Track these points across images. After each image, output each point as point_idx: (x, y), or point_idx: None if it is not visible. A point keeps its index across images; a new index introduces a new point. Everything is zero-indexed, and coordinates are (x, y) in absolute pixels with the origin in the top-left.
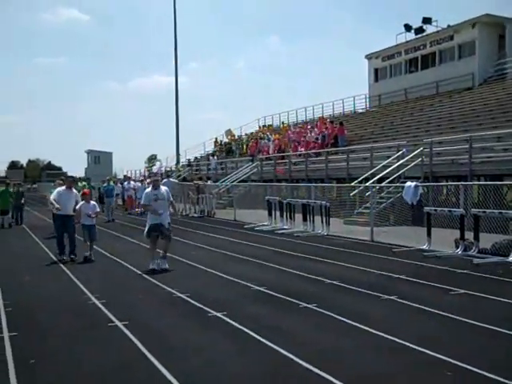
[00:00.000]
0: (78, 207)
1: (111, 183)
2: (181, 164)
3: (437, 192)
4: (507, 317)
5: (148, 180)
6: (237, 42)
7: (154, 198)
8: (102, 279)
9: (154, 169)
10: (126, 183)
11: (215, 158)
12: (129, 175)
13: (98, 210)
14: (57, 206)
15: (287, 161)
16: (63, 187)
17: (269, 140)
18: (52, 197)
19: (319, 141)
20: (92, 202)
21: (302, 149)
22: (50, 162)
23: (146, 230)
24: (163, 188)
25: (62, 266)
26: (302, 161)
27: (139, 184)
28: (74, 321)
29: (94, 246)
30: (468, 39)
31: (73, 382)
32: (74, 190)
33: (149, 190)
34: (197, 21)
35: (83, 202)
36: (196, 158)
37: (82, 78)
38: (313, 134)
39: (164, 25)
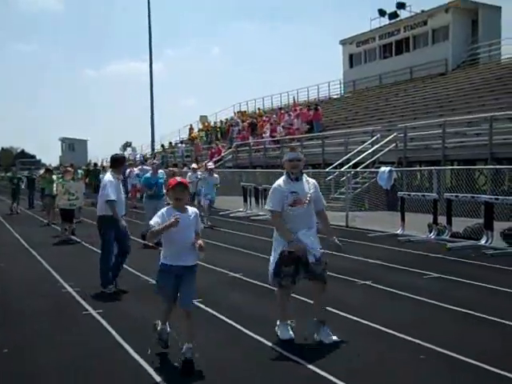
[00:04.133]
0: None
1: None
2: (155, 151)
3: (411, 177)
4: (480, 300)
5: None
6: (212, 28)
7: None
8: (76, 267)
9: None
10: (128, 170)
11: (183, 145)
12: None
13: None
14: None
15: (262, 147)
16: (110, 175)
17: (237, 125)
18: (111, 196)
19: (295, 126)
20: None
21: (276, 134)
22: (23, 151)
23: (274, 263)
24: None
25: (34, 253)
26: (278, 147)
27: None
28: (49, 309)
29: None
30: (441, 24)
31: (47, 371)
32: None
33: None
34: (172, 6)
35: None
36: (170, 144)
37: (56, 65)
38: (290, 118)
39: (140, 11)
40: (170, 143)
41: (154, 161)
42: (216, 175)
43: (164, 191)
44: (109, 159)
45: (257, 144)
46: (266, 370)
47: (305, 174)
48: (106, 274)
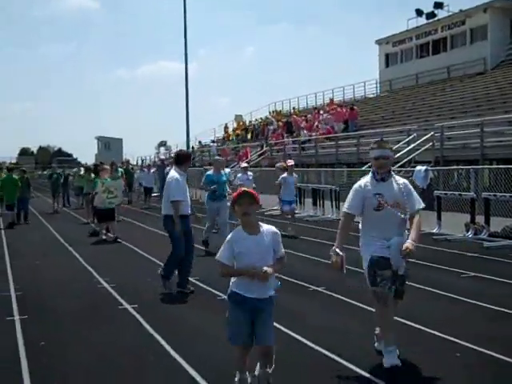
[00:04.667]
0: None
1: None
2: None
3: (447, 176)
4: None
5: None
6: (246, 29)
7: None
8: (112, 263)
9: (161, 155)
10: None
11: (215, 144)
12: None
13: None
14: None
15: (297, 146)
16: (176, 172)
17: (271, 124)
18: (175, 196)
19: (329, 126)
20: None
21: (313, 133)
22: (60, 149)
23: (367, 272)
24: None
25: (71, 249)
26: (313, 146)
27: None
28: (84, 304)
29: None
30: (480, 24)
31: (83, 365)
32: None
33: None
34: (206, 7)
35: None
36: (200, 143)
37: (91, 65)
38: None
39: (173, 11)
40: (200, 142)
41: (161, 157)
42: (295, 174)
43: (228, 190)
44: (142, 158)
45: (292, 143)
46: None
47: (394, 174)
48: (172, 266)
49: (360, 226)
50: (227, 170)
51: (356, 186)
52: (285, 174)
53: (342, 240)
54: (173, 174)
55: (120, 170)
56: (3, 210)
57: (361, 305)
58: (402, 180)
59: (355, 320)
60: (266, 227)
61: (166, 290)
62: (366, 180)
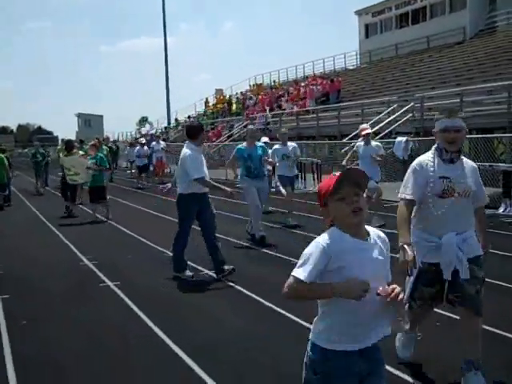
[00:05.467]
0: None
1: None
2: (171, 125)
3: (428, 146)
4: None
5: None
6: (226, 2)
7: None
8: (93, 240)
9: (143, 131)
10: (154, 143)
11: (190, 119)
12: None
13: None
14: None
15: (278, 119)
16: (188, 148)
17: (250, 99)
18: (194, 174)
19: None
20: None
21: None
22: (40, 127)
23: (412, 282)
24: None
25: (52, 227)
26: (293, 119)
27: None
28: (66, 282)
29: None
30: None
31: (65, 342)
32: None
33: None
34: None
35: None
36: (188, 117)
37: (71, 41)
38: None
39: None
40: (189, 116)
41: (151, 132)
42: (375, 143)
43: (267, 168)
44: (124, 134)
45: (272, 116)
46: None
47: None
48: (180, 257)
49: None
50: (264, 139)
51: (415, 164)
52: (361, 142)
53: (408, 233)
54: (186, 149)
55: (105, 147)
56: None
57: None
58: (471, 163)
59: None
60: (372, 231)
61: (182, 277)
62: (427, 158)
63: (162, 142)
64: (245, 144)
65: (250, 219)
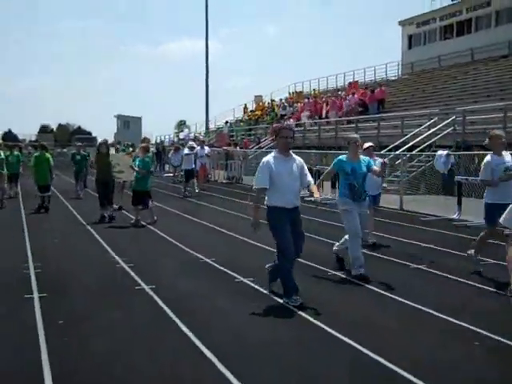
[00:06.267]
0: None
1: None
2: (210, 130)
3: (469, 161)
4: None
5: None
6: (268, 7)
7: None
8: (130, 243)
9: (181, 135)
10: (198, 148)
11: (228, 124)
12: (202, 137)
13: None
14: None
15: (317, 128)
16: (271, 155)
17: (285, 108)
18: (257, 182)
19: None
20: None
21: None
22: (79, 127)
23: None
24: None
25: (90, 229)
26: (333, 128)
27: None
28: (102, 283)
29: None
30: (505, 5)
31: (100, 344)
32: None
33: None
34: None
35: None
36: (225, 123)
37: (113, 42)
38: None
39: None
40: (226, 122)
41: (201, 137)
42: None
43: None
44: (162, 137)
45: (311, 125)
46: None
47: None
48: (288, 277)
49: None
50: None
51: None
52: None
53: None
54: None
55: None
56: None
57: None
58: None
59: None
60: None
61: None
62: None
63: (206, 148)
64: (345, 156)
65: (342, 241)
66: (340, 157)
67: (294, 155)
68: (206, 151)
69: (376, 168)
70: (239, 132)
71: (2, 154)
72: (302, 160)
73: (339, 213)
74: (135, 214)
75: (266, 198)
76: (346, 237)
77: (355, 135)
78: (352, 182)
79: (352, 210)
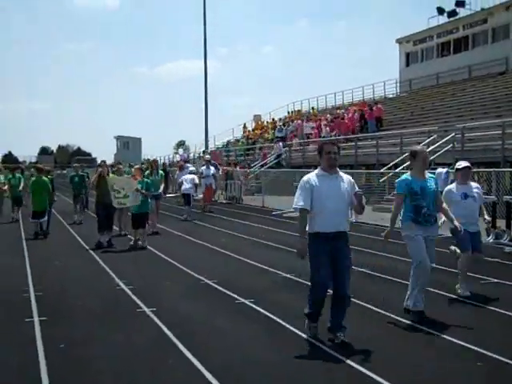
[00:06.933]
0: None
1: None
2: (209, 150)
3: None
4: None
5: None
6: (266, 27)
7: None
8: (130, 266)
9: (178, 156)
10: (204, 168)
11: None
12: (208, 157)
13: None
14: None
15: (316, 147)
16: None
17: (281, 131)
18: (297, 201)
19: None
20: None
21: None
22: (79, 148)
23: None
24: None
25: (90, 251)
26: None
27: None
28: (103, 306)
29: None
30: (502, 23)
31: (102, 366)
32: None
33: None
34: (226, 6)
35: None
36: (225, 143)
37: (110, 64)
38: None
39: (193, 10)
40: (228, 142)
41: (207, 156)
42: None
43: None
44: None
45: (307, 144)
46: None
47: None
48: (311, 306)
49: None
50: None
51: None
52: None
53: None
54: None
55: (160, 172)
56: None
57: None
58: None
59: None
60: None
61: (310, 334)
62: None
63: (212, 168)
64: (409, 173)
65: (409, 285)
66: (402, 177)
67: (341, 173)
68: (212, 171)
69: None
70: (239, 151)
71: (2, 177)
72: (351, 178)
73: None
74: (134, 236)
75: (308, 223)
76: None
77: (421, 146)
78: (421, 203)
79: (417, 235)
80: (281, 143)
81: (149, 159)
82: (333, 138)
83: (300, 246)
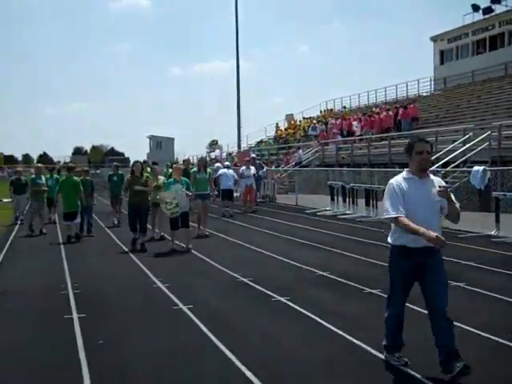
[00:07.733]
0: None
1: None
2: (242, 149)
3: (506, 177)
4: None
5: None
6: (300, 27)
7: None
8: (166, 263)
9: (213, 155)
10: (243, 168)
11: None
12: (253, 155)
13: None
14: None
15: (350, 145)
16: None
17: (314, 129)
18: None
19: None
20: None
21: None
22: (112, 148)
23: None
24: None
25: (127, 250)
26: (365, 145)
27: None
28: (140, 304)
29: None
30: None
31: (140, 364)
32: None
33: None
34: (260, 6)
35: None
36: (258, 143)
37: (144, 64)
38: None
39: (227, 9)
40: (261, 141)
41: (252, 155)
42: None
43: None
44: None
45: (343, 142)
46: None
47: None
48: (391, 332)
49: None
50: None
51: None
52: None
53: None
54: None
55: (208, 170)
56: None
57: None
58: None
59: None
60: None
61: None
62: None
63: (252, 168)
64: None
65: None
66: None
67: (432, 176)
68: (252, 171)
69: None
70: (271, 150)
71: (44, 178)
72: (441, 180)
73: None
74: (172, 238)
75: (391, 234)
76: None
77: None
78: None
79: None
80: (300, 151)
81: (189, 159)
82: (366, 137)
83: (428, 236)
